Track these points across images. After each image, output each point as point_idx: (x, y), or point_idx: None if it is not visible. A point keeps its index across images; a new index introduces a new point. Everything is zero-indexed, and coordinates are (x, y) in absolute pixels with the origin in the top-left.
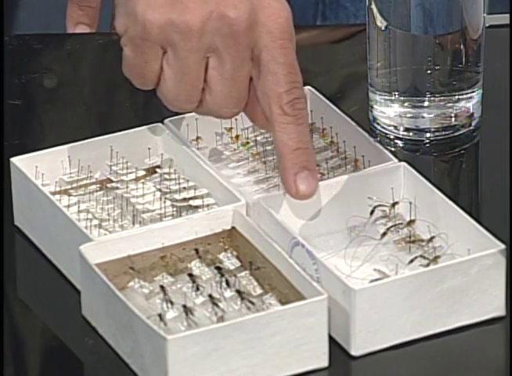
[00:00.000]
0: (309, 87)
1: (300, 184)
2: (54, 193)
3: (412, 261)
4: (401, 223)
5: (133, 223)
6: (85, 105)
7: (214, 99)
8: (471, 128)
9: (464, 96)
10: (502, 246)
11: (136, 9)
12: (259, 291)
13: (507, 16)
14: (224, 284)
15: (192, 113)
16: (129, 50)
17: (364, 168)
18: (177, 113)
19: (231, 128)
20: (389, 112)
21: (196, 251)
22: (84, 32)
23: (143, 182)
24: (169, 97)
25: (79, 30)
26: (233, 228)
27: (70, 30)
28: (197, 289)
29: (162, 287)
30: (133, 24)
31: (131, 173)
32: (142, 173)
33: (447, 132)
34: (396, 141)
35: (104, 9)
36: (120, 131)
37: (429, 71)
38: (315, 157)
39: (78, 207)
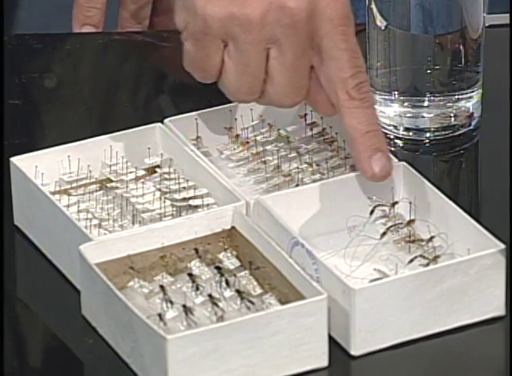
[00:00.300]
0: None
1: (375, 166)
2: (54, 193)
3: (411, 260)
4: (400, 223)
5: (133, 223)
6: (85, 105)
7: (275, 89)
8: (471, 127)
9: (464, 96)
10: (502, 246)
11: (196, 3)
12: (259, 290)
13: (507, 15)
14: (224, 284)
15: (193, 113)
16: (190, 45)
17: None
18: (177, 113)
19: (231, 128)
20: (389, 112)
21: (196, 250)
22: (90, 31)
23: (143, 182)
24: (231, 89)
25: (85, 30)
26: (233, 228)
27: (76, 30)
28: (197, 289)
29: (162, 287)
30: (193, 19)
31: (130, 173)
32: (141, 173)
33: (447, 132)
34: (396, 141)
35: (107, 9)
36: (120, 131)
37: (429, 71)
38: (385, 139)
39: (78, 206)
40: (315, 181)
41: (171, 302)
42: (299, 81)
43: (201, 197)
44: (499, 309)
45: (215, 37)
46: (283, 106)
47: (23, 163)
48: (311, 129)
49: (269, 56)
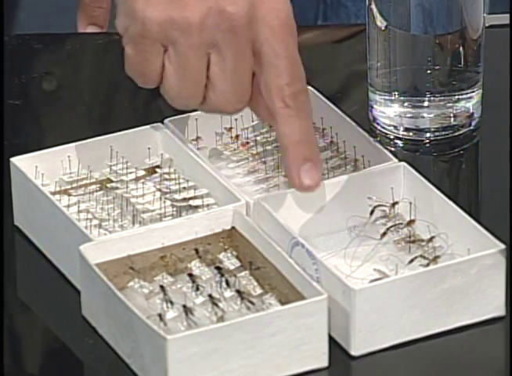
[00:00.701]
0: (309, 87)
1: (303, 176)
2: (54, 193)
3: (412, 261)
4: (401, 223)
5: (133, 223)
6: (85, 105)
7: (217, 95)
8: (471, 128)
9: (464, 96)
10: (502, 246)
11: (135, 7)
12: (259, 290)
13: (507, 16)
14: (224, 284)
15: (193, 113)
16: (130, 49)
17: (364, 167)
18: (177, 113)
19: (231, 128)
20: (389, 112)
21: (196, 251)
22: (94, 31)
23: (143, 182)
24: (172, 94)
25: (90, 30)
26: (233, 228)
27: (81, 30)
28: (197, 289)
29: (162, 287)
30: (133, 23)
31: (131, 173)
32: (141, 173)
33: (447, 132)
34: (396, 141)
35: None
36: (120, 131)
37: (429, 71)
38: (318, 150)
39: (78, 207)
40: None
41: (172, 302)
42: (241, 87)
43: (201, 197)
44: (499, 310)
45: (155, 41)
46: (226, 113)
47: (23, 163)
48: None
49: (210, 62)
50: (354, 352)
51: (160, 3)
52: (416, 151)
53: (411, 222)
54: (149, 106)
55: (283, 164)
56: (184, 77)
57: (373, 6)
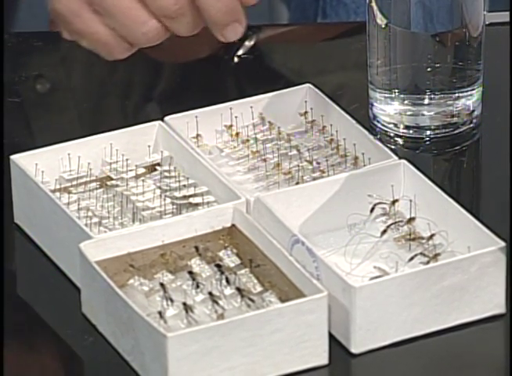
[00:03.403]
0: (309, 84)
1: (227, 34)
2: (54, 191)
3: (412, 258)
4: (401, 221)
5: (133, 221)
6: (85, 103)
7: None
8: (471, 125)
9: (464, 94)
10: (503, 243)
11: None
12: (259, 288)
13: (507, 13)
14: (224, 282)
15: (193, 111)
16: (62, 28)
17: (364, 165)
18: (177, 111)
19: (231, 126)
20: (389, 110)
21: (196, 248)
22: None
23: (143, 180)
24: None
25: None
26: (233, 225)
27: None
28: (197, 286)
29: (162, 285)
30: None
31: (131, 171)
32: (142, 171)
33: (447, 130)
34: (396, 139)
35: None
36: (120, 128)
37: (429, 69)
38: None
39: (78, 204)
40: (315, 179)
41: (172, 300)
42: None
43: (201, 194)
44: (499, 307)
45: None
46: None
47: (23, 161)
48: (312, 127)
49: None
50: (354, 350)
51: None
52: (416, 149)
53: (411, 219)
54: (150, 104)
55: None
56: None
57: (373, 4)
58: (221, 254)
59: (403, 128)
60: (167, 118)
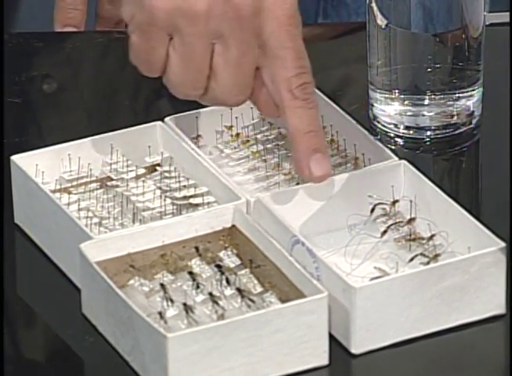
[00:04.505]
0: None
1: (314, 167)
2: (54, 191)
3: (412, 259)
4: (401, 221)
5: (133, 221)
6: (86, 103)
7: (219, 85)
8: (471, 126)
9: (464, 94)
10: (503, 244)
11: None
12: (259, 289)
13: (507, 14)
14: (224, 282)
15: (193, 111)
16: (136, 37)
17: (364, 166)
18: (177, 111)
19: (231, 126)
20: (389, 110)
21: (197, 249)
22: (72, 31)
23: (143, 181)
24: (175, 83)
25: (67, 29)
26: (233, 226)
27: (57, 29)
28: (197, 287)
29: (162, 285)
30: (140, 11)
31: (131, 171)
32: (142, 171)
33: (447, 131)
34: (396, 139)
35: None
36: (120, 129)
37: (429, 69)
38: (325, 141)
39: (78, 205)
40: None
41: (172, 301)
42: (243, 79)
43: (201, 195)
44: (499, 308)
45: (161, 30)
46: (226, 105)
47: (23, 161)
48: None
49: (214, 52)
50: (354, 350)
51: None
52: (416, 149)
53: (411, 220)
54: (150, 105)
55: (292, 155)
56: (188, 66)
57: (374, 4)
58: (221, 254)
59: (403, 129)
60: (167, 119)
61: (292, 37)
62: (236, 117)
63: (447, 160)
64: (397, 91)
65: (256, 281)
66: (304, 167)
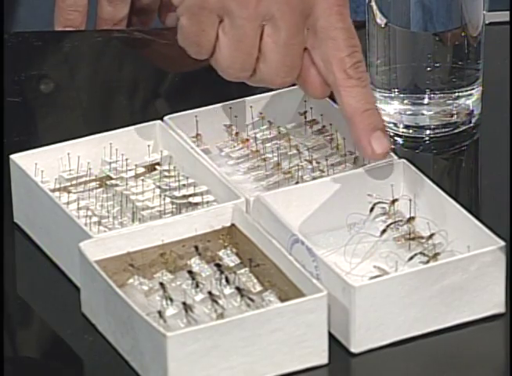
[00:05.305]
0: None
1: (374, 144)
2: (53, 190)
3: (411, 258)
4: (400, 220)
5: (133, 220)
6: (85, 102)
7: (267, 67)
8: (471, 125)
9: (464, 93)
10: (502, 243)
11: None
12: (259, 287)
13: (507, 13)
14: (223, 281)
15: (192, 111)
16: (186, 19)
17: (364, 165)
18: (177, 111)
19: (231, 126)
20: (389, 109)
21: (196, 248)
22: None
23: (143, 180)
24: (224, 65)
25: (66, 29)
26: (233, 225)
27: (57, 29)
28: (197, 286)
29: (162, 284)
30: None
31: (130, 170)
32: (141, 170)
33: (447, 129)
34: (396, 138)
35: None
36: (119, 128)
37: (429, 68)
38: (382, 117)
39: (78, 204)
40: (314, 178)
41: (171, 300)
42: (292, 60)
43: (201, 194)
44: (499, 307)
45: (211, 12)
46: (274, 85)
47: (22, 160)
48: (311, 127)
49: (264, 34)
50: (354, 349)
51: None
52: (416, 148)
53: (411, 219)
54: (149, 104)
55: (352, 134)
56: (237, 49)
57: (373, 3)
58: (220, 253)
59: (403, 128)
60: (166, 118)
61: (342, 17)
62: (236, 116)
63: (446, 159)
64: (396, 90)
65: (255, 280)
66: (366, 145)
